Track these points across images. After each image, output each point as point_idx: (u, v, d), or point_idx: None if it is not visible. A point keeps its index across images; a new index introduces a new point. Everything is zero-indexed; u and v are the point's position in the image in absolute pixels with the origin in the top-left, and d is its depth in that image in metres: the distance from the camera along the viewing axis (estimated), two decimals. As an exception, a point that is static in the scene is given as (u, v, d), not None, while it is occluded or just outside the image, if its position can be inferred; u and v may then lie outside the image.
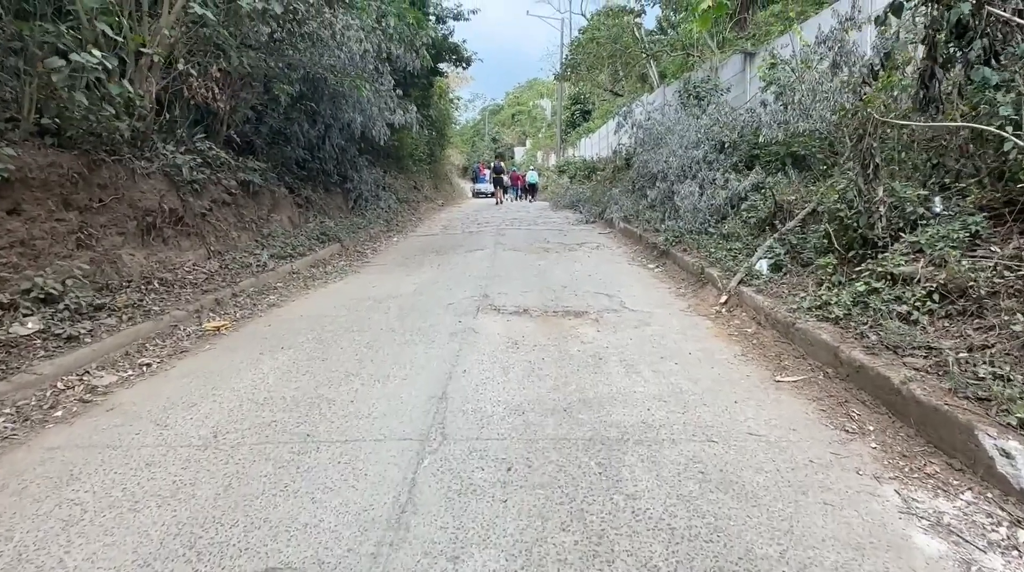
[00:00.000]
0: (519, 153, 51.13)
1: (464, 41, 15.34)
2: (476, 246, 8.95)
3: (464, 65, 16.06)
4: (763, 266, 4.82)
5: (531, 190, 23.05)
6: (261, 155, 7.79)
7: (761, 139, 5.57)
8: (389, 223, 11.57)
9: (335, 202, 10.28)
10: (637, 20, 16.66)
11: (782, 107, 6.46)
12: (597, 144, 24.74)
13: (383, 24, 9.18)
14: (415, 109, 10.18)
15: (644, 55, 18.57)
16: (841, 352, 3.07)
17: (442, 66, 16.36)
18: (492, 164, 24.05)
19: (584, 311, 4.80)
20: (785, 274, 4.62)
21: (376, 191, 12.07)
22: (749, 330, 4.11)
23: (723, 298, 4.73)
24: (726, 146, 7.80)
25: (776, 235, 5.09)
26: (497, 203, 21.81)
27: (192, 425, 2.75)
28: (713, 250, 5.71)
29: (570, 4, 48.33)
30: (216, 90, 5.99)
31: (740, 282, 4.75)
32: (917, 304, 3.15)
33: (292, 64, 8.01)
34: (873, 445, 2.45)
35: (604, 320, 4.51)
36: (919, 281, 3.29)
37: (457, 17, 14.46)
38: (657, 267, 6.59)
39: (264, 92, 7.86)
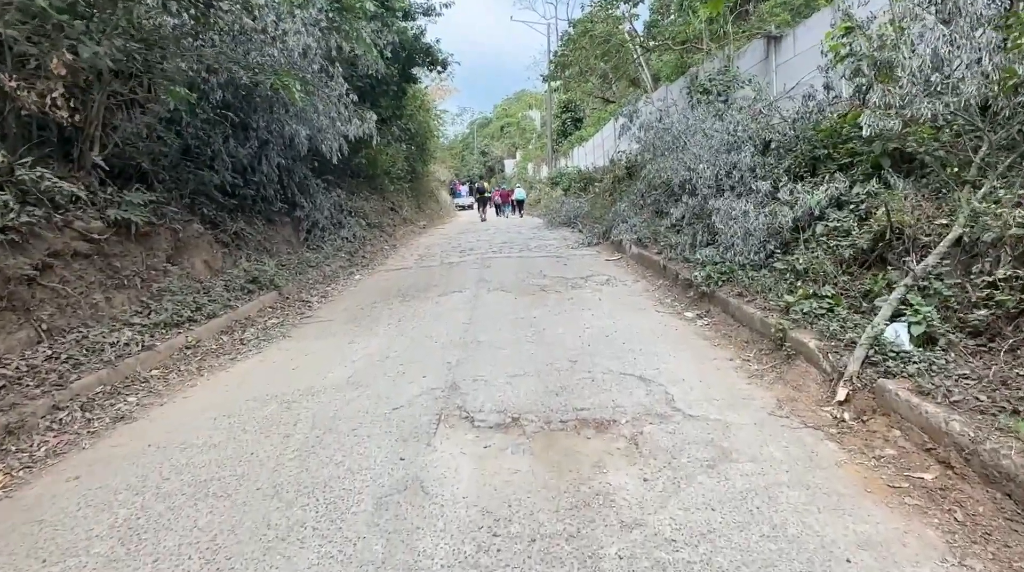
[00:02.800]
0: (509, 165, 49.38)
1: (438, 41, 13.55)
2: (454, 286, 7.04)
3: (440, 68, 14.20)
4: (901, 335, 2.95)
5: (519, 205, 24.12)
6: (162, 182, 5.90)
7: (865, 133, 3.77)
8: (352, 256, 9.65)
9: (281, 235, 8.38)
10: (634, 12, 15.00)
11: (856, 88, 4.66)
12: (592, 153, 23.21)
13: (329, 16, 7.35)
14: (374, 116, 8.28)
15: (638, 51, 16.96)
16: None
17: (416, 71, 14.53)
18: (476, 185, 27.48)
19: (611, 419, 2.92)
20: (946, 350, 2.75)
21: (337, 218, 10.16)
22: (927, 476, 2.23)
23: (841, 392, 2.85)
24: (771, 145, 5.99)
25: (908, 280, 3.23)
26: (482, 219, 22.36)
27: None
28: (790, 298, 3.83)
29: (556, 10, 47.09)
30: (59, 94, 4.14)
31: (866, 362, 2.88)
32: None
33: (211, 67, 6.18)
34: None
35: (647, 442, 2.63)
36: None
37: (427, 13, 12.64)
38: (701, 318, 4.70)
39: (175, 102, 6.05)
